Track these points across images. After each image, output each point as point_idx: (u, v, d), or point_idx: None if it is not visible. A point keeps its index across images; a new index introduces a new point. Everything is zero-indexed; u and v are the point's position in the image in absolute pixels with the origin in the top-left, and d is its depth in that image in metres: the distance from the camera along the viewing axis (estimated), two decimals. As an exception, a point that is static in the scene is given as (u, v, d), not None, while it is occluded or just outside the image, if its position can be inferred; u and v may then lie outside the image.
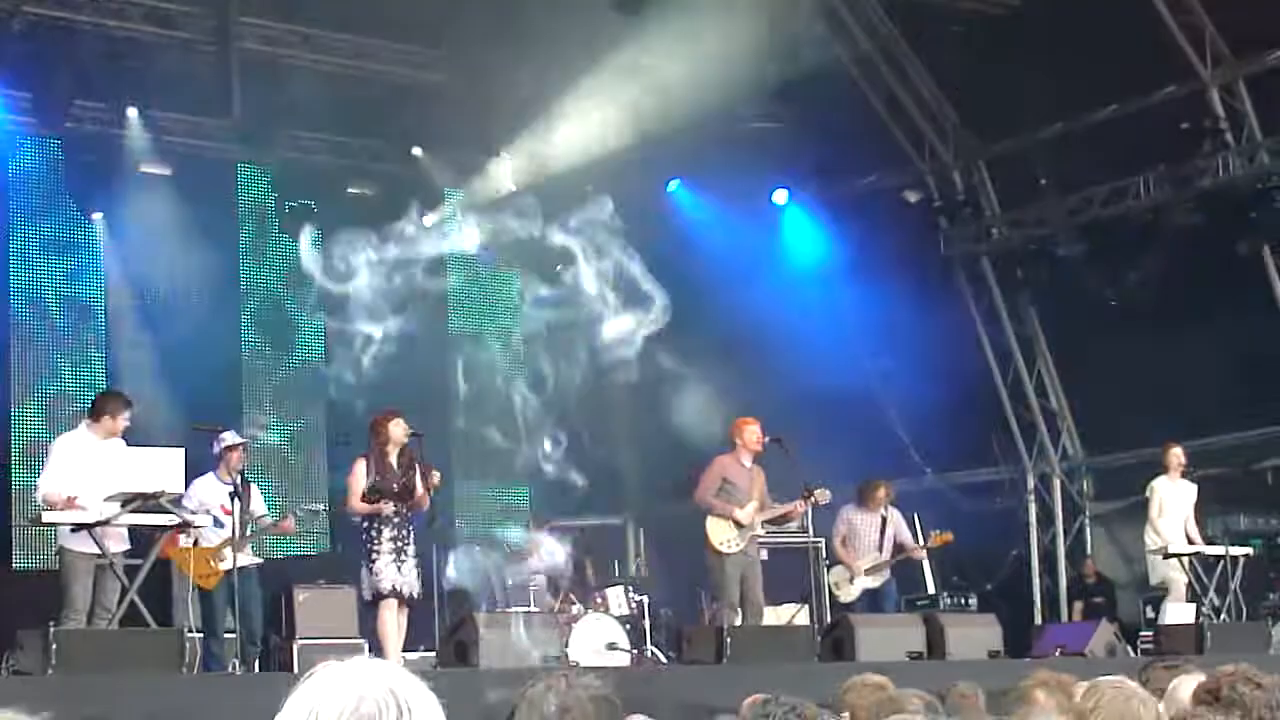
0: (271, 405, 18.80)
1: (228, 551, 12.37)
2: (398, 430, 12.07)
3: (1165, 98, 17.63)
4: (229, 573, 12.25)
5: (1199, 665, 6.53)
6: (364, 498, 11.95)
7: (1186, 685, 5.11)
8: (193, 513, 11.84)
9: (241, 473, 12.95)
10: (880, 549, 15.35)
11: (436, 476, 12.30)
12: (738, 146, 18.40)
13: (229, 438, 13.00)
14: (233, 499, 12.26)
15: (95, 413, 11.46)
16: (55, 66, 15.96)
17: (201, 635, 12.24)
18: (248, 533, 12.73)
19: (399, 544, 11.88)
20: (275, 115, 17.24)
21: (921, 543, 15.69)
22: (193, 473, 11.89)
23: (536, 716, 3.20)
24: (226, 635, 12.49)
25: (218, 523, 12.34)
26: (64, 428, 12.87)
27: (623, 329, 11.75)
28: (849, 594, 15.30)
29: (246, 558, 12.64)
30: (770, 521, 13.74)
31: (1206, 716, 4.46)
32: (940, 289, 19.51)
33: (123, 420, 11.35)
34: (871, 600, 15.23)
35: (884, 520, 15.44)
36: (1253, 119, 17.19)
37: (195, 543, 12.27)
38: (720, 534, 13.32)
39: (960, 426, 19.14)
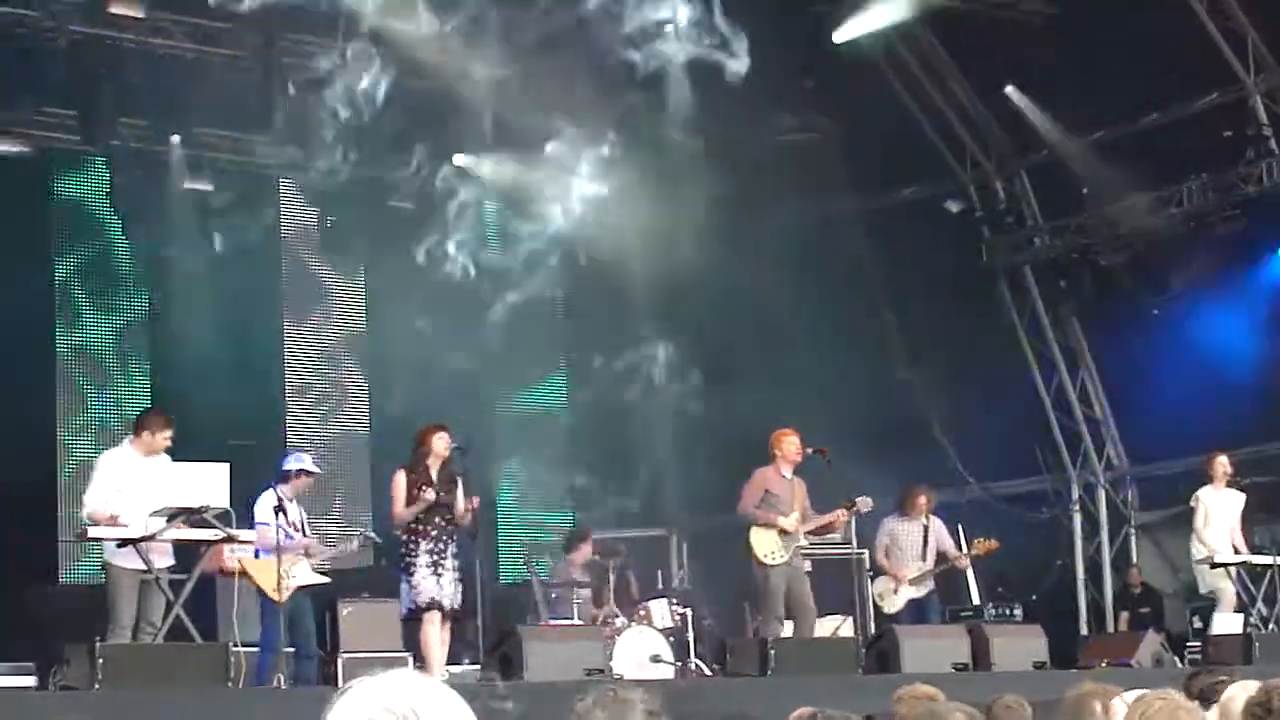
0: (317, 422, 18.87)
1: (297, 567, 12.40)
2: (440, 444, 12.08)
3: (1208, 105, 17.56)
4: (300, 588, 12.32)
5: (1246, 675, 6.49)
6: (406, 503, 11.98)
7: (1241, 696, 5.06)
8: (279, 528, 11.98)
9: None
10: (923, 558, 15.30)
11: (475, 501, 12.31)
12: (778, 158, 18.36)
13: (306, 461, 13.10)
14: (277, 514, 12.28)
15: (137, 429, 11.52)
16: (100, 84, 16.06)
17: (257, 649, 12.26)
18: (309, 553, 12.76)
19: (436, 556, 11.87)
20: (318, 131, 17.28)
21: (965, 551, 15.62)
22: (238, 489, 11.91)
23: (583, 732, 3.19)
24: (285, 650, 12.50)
25: (289, 536, 12.35)
26: (109, 444, 12.93)
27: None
28: (893, 605, 15.24)
29: (313, 575, 12.70)
30: (813, 532, 13.69)
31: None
32: (983, 299, 19.45)
33: (163, 437, 11.37)
34: (916, 611, 15.16)
35: (926, 529, 15.39)
36: (1296, 125, 17.11)
37: (256, 554, 12.33)
38: (765, 545, 13.28)
39: (1004, 436, 19.06)
